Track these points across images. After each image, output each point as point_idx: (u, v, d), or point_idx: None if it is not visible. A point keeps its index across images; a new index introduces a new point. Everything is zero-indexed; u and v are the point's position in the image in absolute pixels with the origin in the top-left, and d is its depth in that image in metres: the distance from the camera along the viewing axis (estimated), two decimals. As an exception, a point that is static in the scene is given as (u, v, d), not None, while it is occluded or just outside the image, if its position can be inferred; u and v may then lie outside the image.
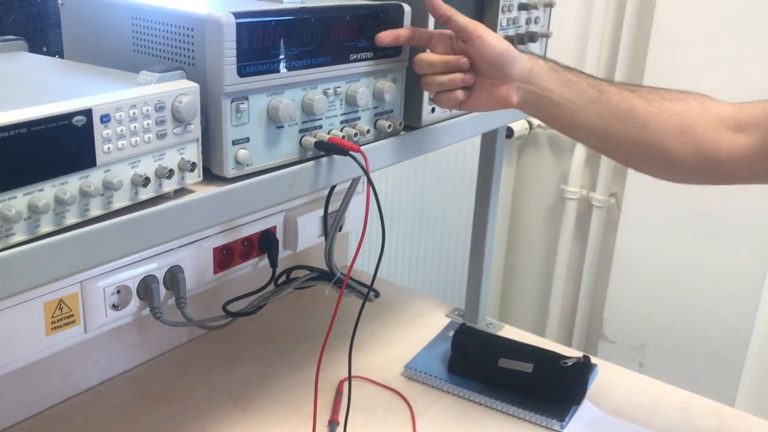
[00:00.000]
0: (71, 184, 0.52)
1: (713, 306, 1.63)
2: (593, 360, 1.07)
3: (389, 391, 1.04)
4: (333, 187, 1.16)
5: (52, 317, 0.90)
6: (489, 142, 1.17)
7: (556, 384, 1.01)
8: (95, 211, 0.54)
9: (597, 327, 1.82)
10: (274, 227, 1.15)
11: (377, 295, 1.17)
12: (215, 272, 1.08)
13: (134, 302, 0.97)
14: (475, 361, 1.05)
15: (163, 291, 1.00)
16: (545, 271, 1.92)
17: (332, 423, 0.96)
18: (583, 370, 1.02)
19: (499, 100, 0.77)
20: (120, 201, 0.56)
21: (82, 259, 0.52)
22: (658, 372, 1.47)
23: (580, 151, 1.76)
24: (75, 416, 0.96)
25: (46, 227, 0.51)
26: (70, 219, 0.52)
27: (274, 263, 1.14)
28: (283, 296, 1.19)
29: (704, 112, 0.77)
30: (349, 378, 0.82)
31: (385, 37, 0.74)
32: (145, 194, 0.57)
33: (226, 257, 1.09)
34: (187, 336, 1.13)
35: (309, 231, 1.18)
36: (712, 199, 1.57)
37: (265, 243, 1.14)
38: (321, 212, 1.18)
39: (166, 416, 0.96)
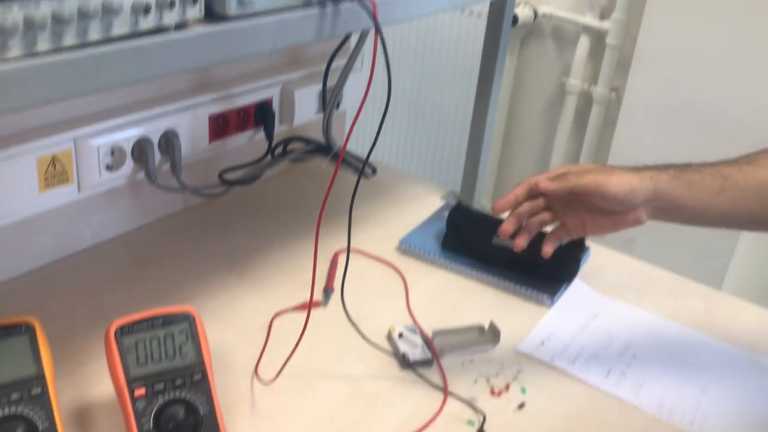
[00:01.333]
0: (70, 1, 0.49)
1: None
2: (586, 243, 1.08)
3: (383, 263, 1.05)
4: (330, 61, 1.13)
5: (45, 173, 0.88)
6: (494, 26, 1.13)
7: (549, 262, 1.01)
8: (94, 35, 0.51)
9: (588, 222, 1.83)
10: (270, 99, 1.12)
11: (374, 171, 1.16)
12: (210, 141, 1.06)
13: (128, 164, 0.96)
14: (469, 238, 1.06)
15: (158, 155, 0.99)
16: (540, 164, 1.92)
17: (327, 290, 0.96)
18: (576, 249, 1.02)
19: (627, 223, 0.81)
20: (120, 28, 0.53)
21: (79, 81, 0.50)
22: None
23: (583, 43, 1.72)
24: (68, 276, 0.96)
25: (43, 45, 0.48)
26: (69, 40, 0.50)
27: (270, 136, 1.12)
28: (280, 169, 1.18)
29: None
30: (348, 242, 0.81)
31: (503, 206, 0.88)
32: (145, 23, 0.55)
33: (221, 126, 1.07)
34: (181, 204, 1.12)
35: (306, 105, 1.16)
36: (713, 95, 1.55)
37: (260, 115, 1.11)
38: (318, 87, 1.15)
39: (160, 279, 0.97)
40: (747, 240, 1.61)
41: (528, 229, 0.88)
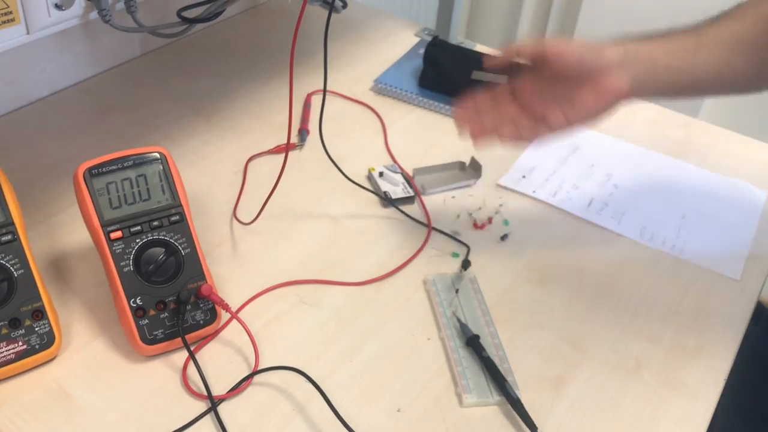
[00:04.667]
0: None
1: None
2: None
3: (359, 104, 1.01)
4: None
5: (-12, 13, 0.81)
6: None
7: (531, 94, 0.98)
8: None
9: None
10: (229, -72, 1.03)
11: (344, 4, 1.09)
12: (166, -25, 0.98)
13: (79, 2, 0.88)
14: (447, 73, 1.01)
15: (109, -8, 0.91)
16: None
17: (302, 131, 0.93)
18: (558, 80, 0.99)
19: (608, 93, 0.68)
20: None
21: None
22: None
23: None
24: (28, 125, 0.91)
25: None
26: None
27: (230, -30, 1.04)
28: (243, 5, 1.11)
29: None
30: (325, 74, 0.77)
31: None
32: None
33: (176, -41, 0.98)
34: (140, 49, 1.05)
35: (267, -65, 1.07)
36: None
37: (219, -54, 1.02)
38: None
39: (127, 124, 0.92)
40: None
41: (500, 133, 0.72)
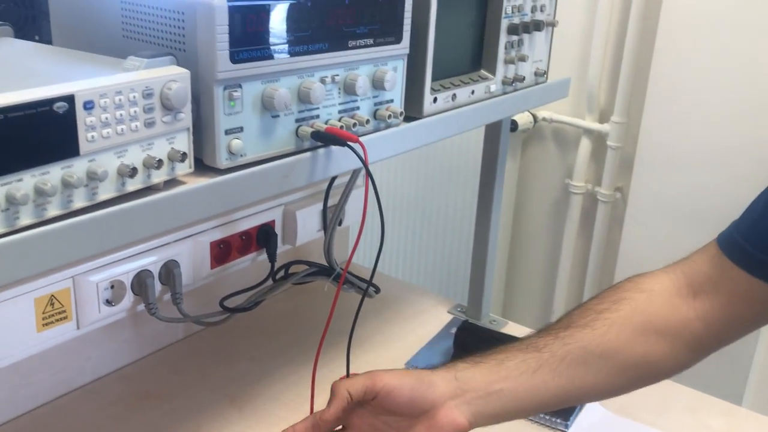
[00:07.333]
0: (53, 174, 0.49)
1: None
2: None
3: (390, 389, 1.01)
4: (332, 180, 1.13)
5: (44, 313, 0.87)
6: (493, 134, 1.14)
7: (561, 383, 0.98)
8: (79, 202, 0.51)
9: (601, 323, 1.79)
10: (273, 221, 1.12)
11: (377, 290, 1.14)
12: (212, 267, 1.05)
13: (128, 298, 0.94)
14: (477, 358, 1.03)
15: (158, 286, 0.98)
16: (549, 267, 1.90)
17: (331, 422, 0.93)
18: (588, 368, 0.99)
19: (443, 429, 0.66)
20: (106, 192, 0.53)
21: (65, 253, 0.50)
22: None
23: (585, 145, 1.73)
24: (66, 415, 0.94)
25: (26, 219, 0.48)
26: (52, 211, 0.50)
27: (272, 258, 1.11)
28: (282, 292, 1.17)
29: (648, 298, 0.70)
30: (347, 376, 0.79)
31: None
32: (132, 185, 0.55)
33: (223, 252, 1.06)
34: (182, 332, 1.10)
35: (308, 225, 1.16)
36: (717, 192, 1.54)
37: (263, 237, 1.11)
38: (320, 206, 1.15)
39: (160, 415, 0.94)
40: (766, 343, 1.57)
41: None
